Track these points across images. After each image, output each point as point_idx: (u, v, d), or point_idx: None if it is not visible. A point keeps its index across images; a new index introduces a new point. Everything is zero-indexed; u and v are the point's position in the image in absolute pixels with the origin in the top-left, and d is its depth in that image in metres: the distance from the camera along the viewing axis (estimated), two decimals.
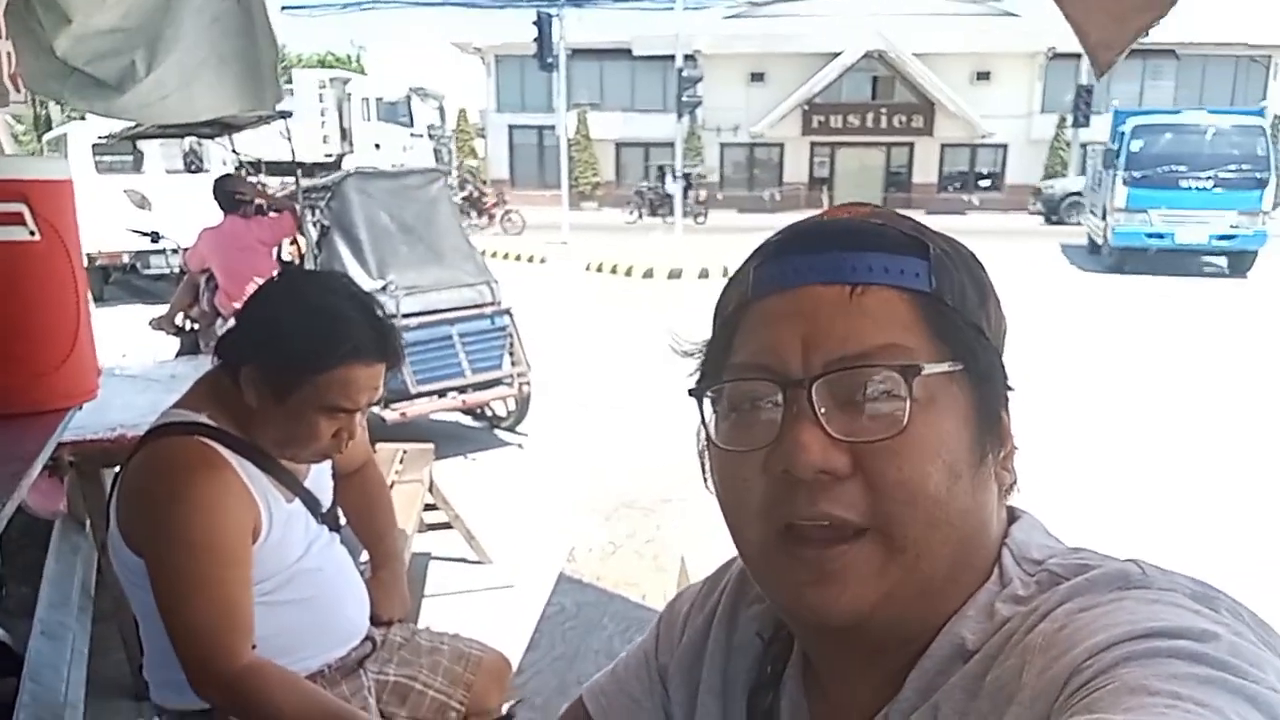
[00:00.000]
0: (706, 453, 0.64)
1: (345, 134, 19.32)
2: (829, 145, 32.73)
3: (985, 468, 0.59)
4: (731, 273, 0.67)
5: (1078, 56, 25.42)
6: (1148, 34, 0.92)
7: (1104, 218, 14.85)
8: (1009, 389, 0.63)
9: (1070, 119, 26.35)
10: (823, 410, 0.56)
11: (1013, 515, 0.64)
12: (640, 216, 24.70)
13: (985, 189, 32.36)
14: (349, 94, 19.67)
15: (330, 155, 17.95)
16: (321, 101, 18.77)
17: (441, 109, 23.40)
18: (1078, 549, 0.61)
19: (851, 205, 0.65)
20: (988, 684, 0.54)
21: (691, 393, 0.64)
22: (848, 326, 0.57)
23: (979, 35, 28.84)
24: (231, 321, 1.59)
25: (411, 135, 21.50)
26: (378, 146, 20.51)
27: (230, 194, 5.31)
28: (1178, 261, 13.90)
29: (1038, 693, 0.49)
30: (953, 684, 0.56)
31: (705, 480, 0.65)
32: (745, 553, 0.62)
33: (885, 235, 0.60)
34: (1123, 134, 14.72)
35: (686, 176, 21.07)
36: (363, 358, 1.46)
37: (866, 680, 0.62)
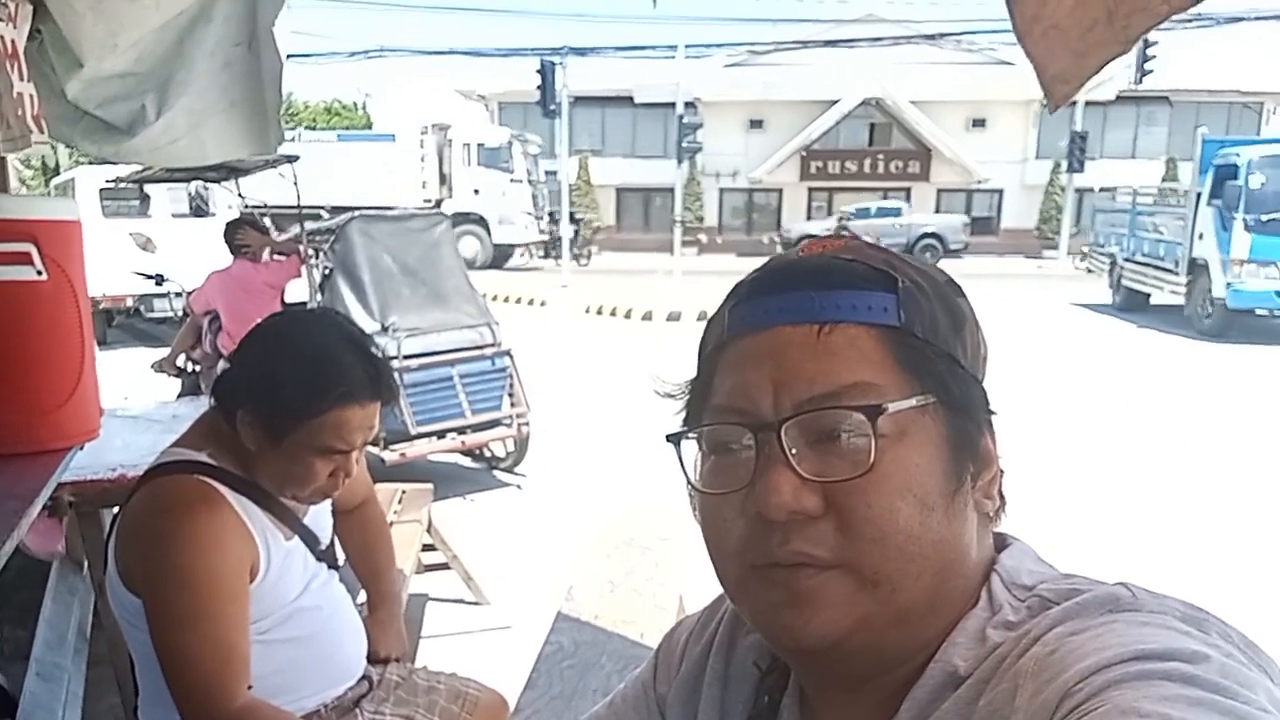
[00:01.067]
0: (693, 493, 0.65)
1: (445, 179, 19.41)
2: (827, 190, 33.04)
3: (961, 496, 0.59)
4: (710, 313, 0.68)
5: (1073, 104, 25.78)
6: (1101, 70, 0.94)
7: (1192, 272, 11.97)
8: (990, 414, 0.63)
9: (1065, 164, 26.61)
10: (794, 451, 0.57)
11: (1003, 542, 0.65)
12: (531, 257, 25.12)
13: (981, 233, 32.60)
14: (450, 140, 19.84)
15: (429, 200, 17.98)
16: (422, 147, 18.90)
17: (537, 156, 23.45)
18: (1069, 575, 0.61)
19: (827, 239, 0.66)
20: (980, 709, 0.54)
21: (669, 438, 0.65)
22: (815, 367, 0.58)
23: (974, 83, 29.28)
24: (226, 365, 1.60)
25: (511, 181, 21.77)
26: (476, 192, 20.90)
27: (237, 243, 5.37)
28: None
29: (1030, 716, 0.50)
30: (945, 710, 0.56)
31: (694, 517, 0.66)
32: (726, 586, 0.63)
33: (853, 272, 0.61)
34: (1228, 168, 11.44)
35: (574, 219, 22.10)
36: (356, 399, 1.46)
37: (858, 708, 0.62)
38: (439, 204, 17.44)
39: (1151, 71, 19.11)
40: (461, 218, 19.97)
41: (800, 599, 0.57)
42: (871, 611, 0.57)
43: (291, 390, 1.43)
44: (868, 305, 0.59)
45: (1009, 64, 27.33)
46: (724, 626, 0.76)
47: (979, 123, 31.72)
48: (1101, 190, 21.48)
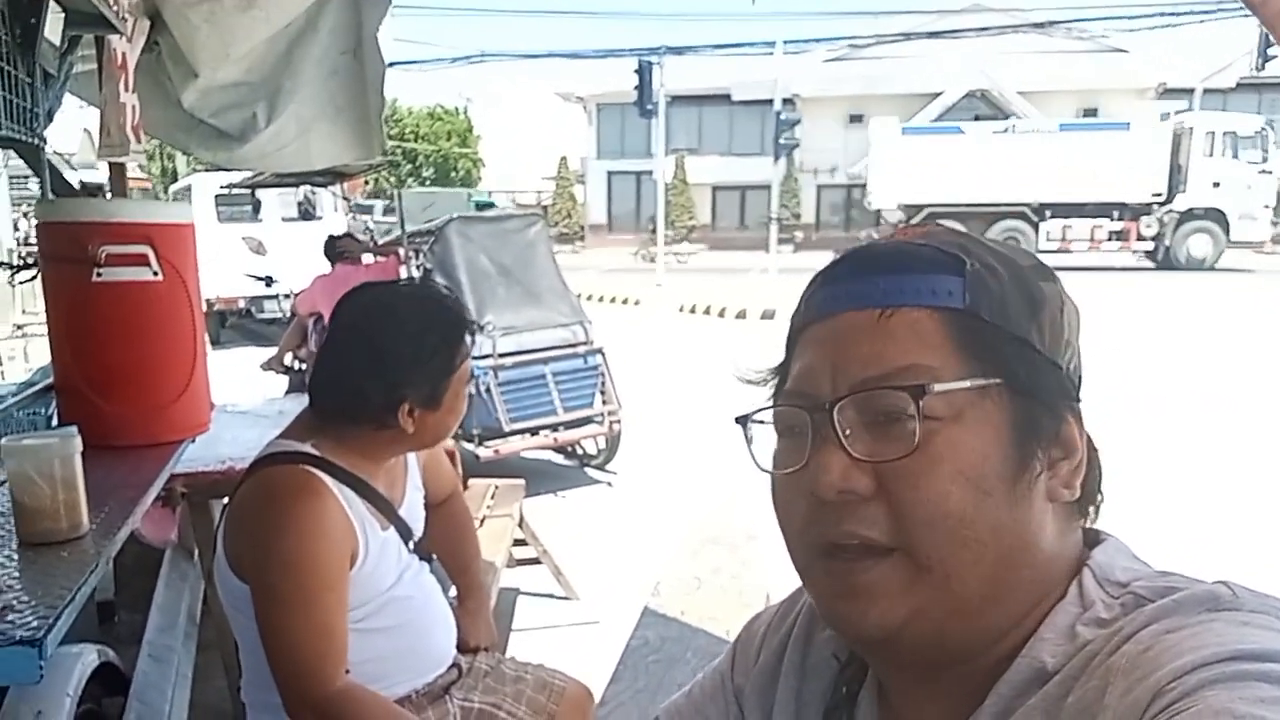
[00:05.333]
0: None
1: (1178, 171, 18.70)
2: None
3: (1026, 482, 0.58)
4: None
5: (1189, 91, 24.58)
6: None
7: None
8: (1074, 400, 0.61)
9: None
10: (847, 432, 0.58)
11: (1097, 538, 0.63)
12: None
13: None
14: (1189, 128, 19.10)
15: (1158, 195, 17.49)
16: (1156, 140, 18.22)
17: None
18: (1166, 572, 0.59)
19: (908, 228, 0.67)
20: (1069, 706, 0.53)
21: (738, 419, 0.66)
22: (871, 350, 0.59)
23: (1085, 72, 28.11)
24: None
25: (1260, 172, 20.03)
26: (1216, 185, 19.64)
27: (338, 251, 5.57)
28: None
29: (1120, 715, 0.48)
30: (1032, 706, 0.55)
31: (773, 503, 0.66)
32: (798, 570, 0.64)
33: (920, 256, 0.61)
34: None
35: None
36: (468, 327, 1.59)
37: (937, 702, 0.62)
38: (1170, 198, 16.45)
39: (1275, 58, 18.02)
40: (1190, 214, 18.87)
41: (855, 591, 0.58)
42: (927, 600, 0.57)
43: (435, 357, 1.52)
44: (931, 289, 0.59)
45: (1122, 51, 26.17)
46: (802, 618, 0.76)
47: (1090, 112, 30.39)
48: None
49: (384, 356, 1.51)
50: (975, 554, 0.56)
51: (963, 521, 0.56)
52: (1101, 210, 20.42)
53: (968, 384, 0.57)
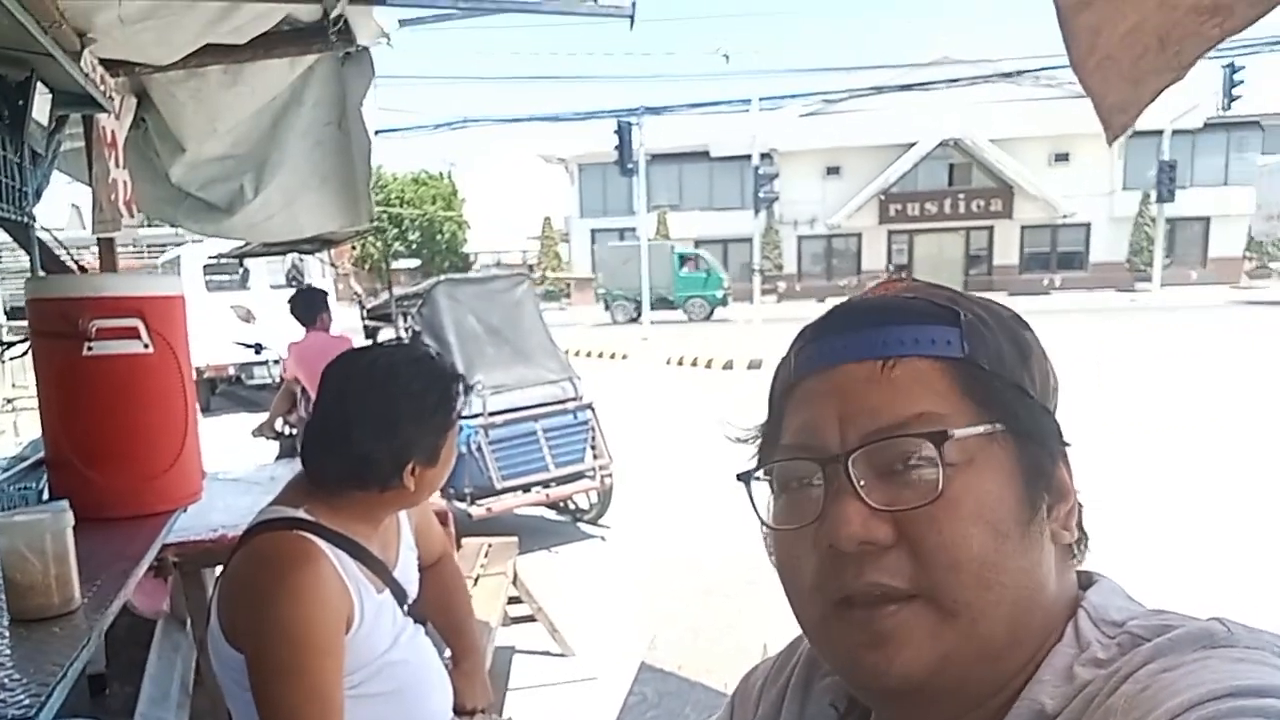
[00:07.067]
0: (768, 534, 0.66)
1: None
2: (907, 233, 32.71)
3: (1037, 525, 0.59)
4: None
5: (1158, 133, 25.12)
6: (1156, 98, 0.93)
7: None
8: (1064, 445, 0.63)
9: (1154, 194, 25.80)
10: (862, 483, 0.58)
11: (1089, 579, 0.64)
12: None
13: (1069, 268, 31.77)
14: None
15: None
16: None
17: None
18: (1160, 610, 0.59)
19: (889, 282, 0.67)
20: None
21: (740, 476, 0.66)
22: (880, 400, 0.59)
23: (1055, 118, 28.71)
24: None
25: None
26: None
27: (311, 307, 5.41)
28: None
29: None
30: None
31: (770, 560, 0.66)
32: (805, 627, 0.63)
33: (914, 308, 0.62)
34: None
35: None
36: (458, 379, 1.60)
37: None
38: None
39: (1240, 97, 18.50)
40: None
41: (881, 639, 0.57)
42: (954, 646, 0.56)
43: (436, 414, 1.54)
44: (930, 339, 0.60)
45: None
46: (800, 668, 0.76)
47: (1062, 157, 31.06)
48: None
49: (388, 418, 1.52)
50: (998, 596, 0.57)
51: (985, 564, 0.56)
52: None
53: (981, 429, 0.58)
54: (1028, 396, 0.61)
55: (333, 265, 6.76)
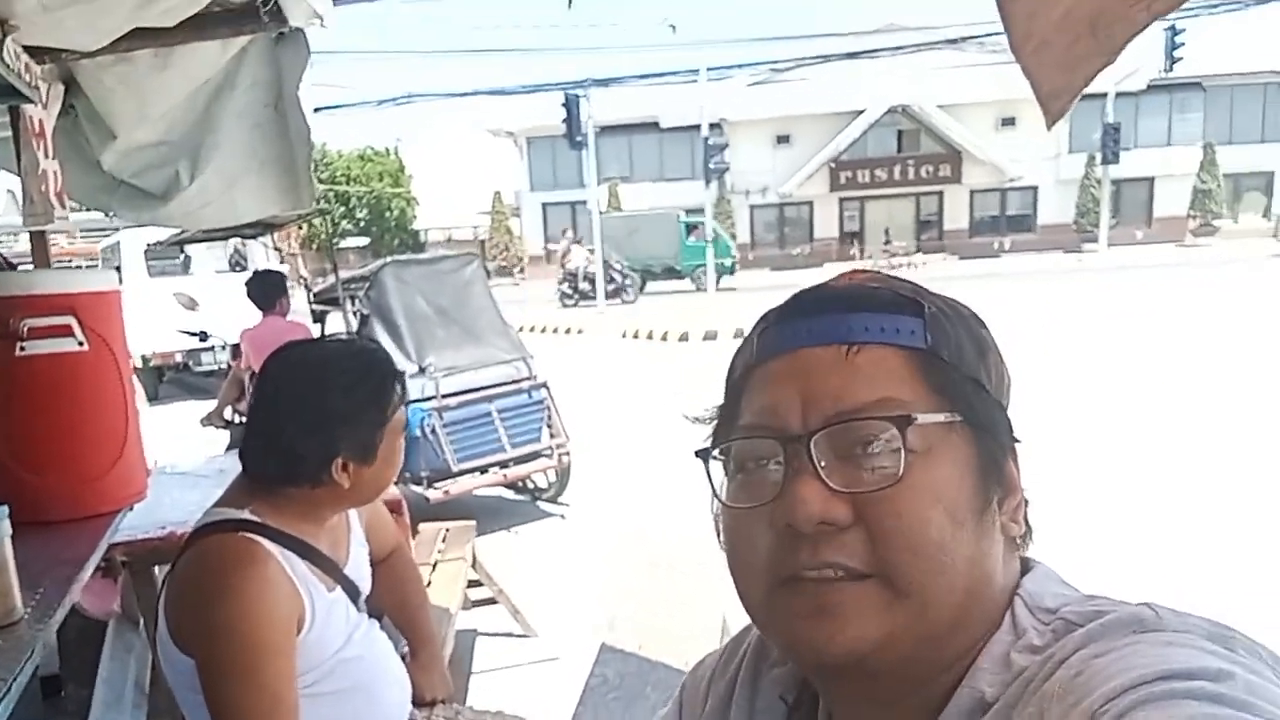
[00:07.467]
0: (719, 513, 0.66)
1: None
2: (858, 200, 32.95)
3: (989, 516, 0.60)
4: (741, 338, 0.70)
5: (1102, 96, 25.53)
6: (1090, 83, 0.94)
7: None
8: (1015, 440, 0.64)
9: (1100, 157, 26.25)
10: (823, 464, 0.59)
11: (1026, 566, 0.65)
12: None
13: (1018, 231, 32.28)
14: None
15: None
16: None
17: None
18: (1093, 596, 0.61)
19: (853, 272, 0.68)
20: None
21: (698, 453, 0.67)
22: (843, 384, 0.60)
23: (1001, 83, 29.03)
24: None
25: None
26: None
27: (267, 291, 5.34)
28: None
29: None
30: None
31: (718, 540, 0.66)
32: (749, 605, 0.64)
33: (879, 297, 0.63)
34: None
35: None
36: (398, 376, 1.56)
37: None
38: None
39: (1181, 59, 18.84)
40: None
41: (828, 610, 0.58)
42: (902, 625, 0.57)
43: (367, 410, 1.50)
44: (895, 328, 0.61)
45: None
46: (748, 660, 0.76)
47: (1009, 121, 31.43)
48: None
49: (316, 413, 1.50)
50: (950, 582, 0.58)
51: (942, 549, 0.57)
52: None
53: (942, 418, 0.59)
54: (984, 390, 0.62)
55: (277, 249, 6.62)
